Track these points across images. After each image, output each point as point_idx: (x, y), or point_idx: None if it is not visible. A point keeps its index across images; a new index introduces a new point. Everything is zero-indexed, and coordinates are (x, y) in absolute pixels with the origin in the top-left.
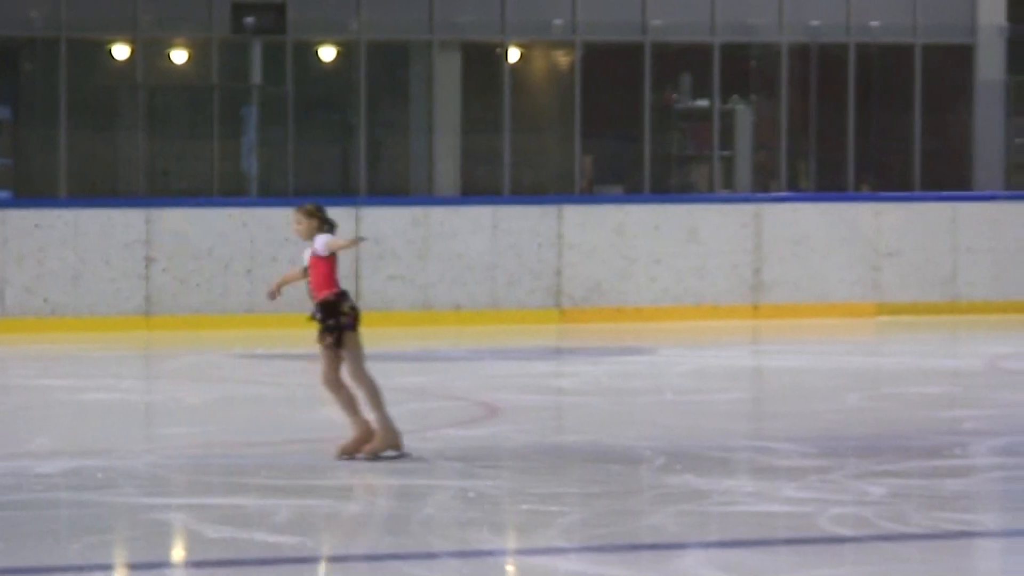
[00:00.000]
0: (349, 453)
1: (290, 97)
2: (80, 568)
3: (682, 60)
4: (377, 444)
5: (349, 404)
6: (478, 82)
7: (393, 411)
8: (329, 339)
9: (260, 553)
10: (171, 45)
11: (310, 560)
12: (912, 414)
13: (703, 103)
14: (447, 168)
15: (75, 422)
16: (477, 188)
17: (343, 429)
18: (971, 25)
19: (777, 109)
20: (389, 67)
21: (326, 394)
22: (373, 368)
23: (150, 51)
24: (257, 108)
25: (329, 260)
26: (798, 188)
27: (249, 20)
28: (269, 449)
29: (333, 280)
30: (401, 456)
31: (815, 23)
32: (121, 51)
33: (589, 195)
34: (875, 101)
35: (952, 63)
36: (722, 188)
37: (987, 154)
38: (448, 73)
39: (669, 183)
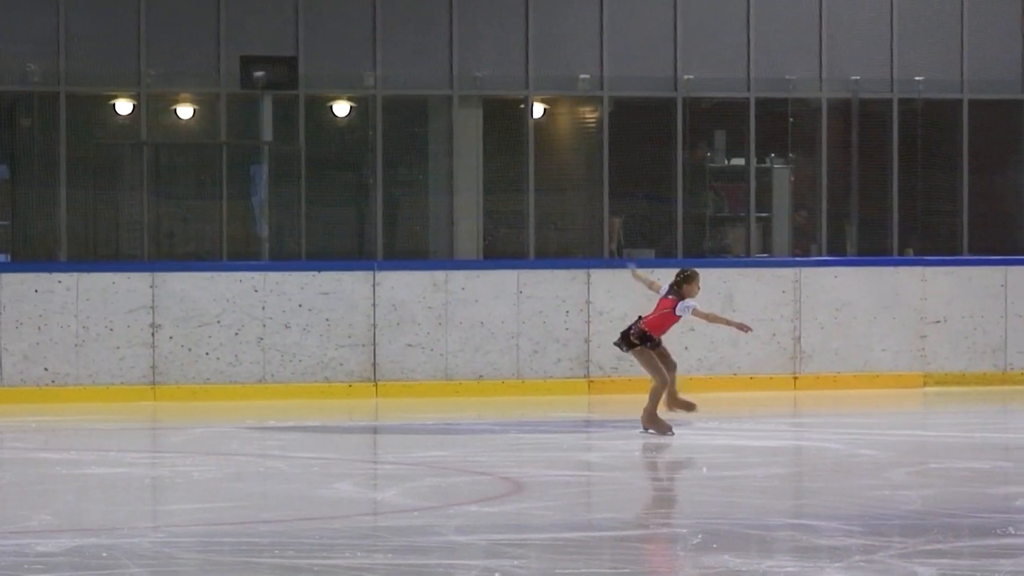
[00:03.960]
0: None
1: (302, 155)
2: None
3: (716, 117)
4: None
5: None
6: (500, 139)
7: (412, 486)
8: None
9: None
10: (177, 100)
11: None
12: (961, 490)
13: (738, 162)
14: (468, 230)
15: (77, 498)
16: (500, 251)
17: (358, 505)
18: (1021, 80)
19: (817, 168)
20: (406, 123)
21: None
22: (392, 440)
23: (155, 106)
24: (268, 166)
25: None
26: (839, 252)
27: (259, 74)
28: (281, 526)
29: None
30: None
31: (856, 77)
32: (124, 106)
33: (619, 259)
34: (920, 160)
35: (1001, 119)
36: (759, 252)
37: None
38: (469, 130)
39: (703, 246)
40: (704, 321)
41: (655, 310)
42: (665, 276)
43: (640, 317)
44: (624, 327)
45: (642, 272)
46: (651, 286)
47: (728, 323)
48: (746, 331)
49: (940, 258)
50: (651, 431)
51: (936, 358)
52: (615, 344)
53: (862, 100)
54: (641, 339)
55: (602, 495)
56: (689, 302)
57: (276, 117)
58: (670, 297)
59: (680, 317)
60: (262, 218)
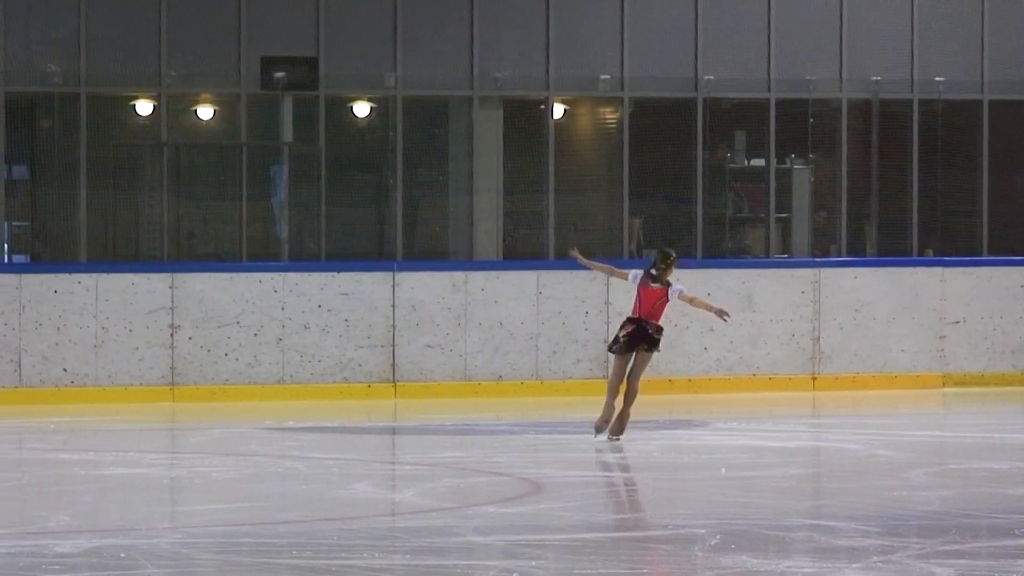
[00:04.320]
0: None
1: (322, 156)
2: None
3: (736, 117)
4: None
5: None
6: (520, 140)
7: (431, 487)
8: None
9: None
10: (197, 101)
11: None
12: (979, 491)
13: (758, 162)
14: (487, 231)
15: (96, 499)
16: (519, 252)
17: (377, 506)
18: None
19: (836, 169)
20: (426, 124)
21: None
22: (410, 441)
23: (175, 107)
24: (288, 167)
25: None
26: (859, 252)
27: (279, 75)
28: (300, 527)
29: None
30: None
31: (876, 78)
32: (144, 107)
33: (638, 259)
34: (940, 160)
35: (1022, 120)
36: (778, 252)
37: None
38: (489, 130)
39: (722, 247)
40: (687, 304)
41: (647, 303)
42: (687, 278)
43: (631, 317)
44: (617, 331)
45: (598, 264)
46: (612, 273)
47: (708, 308)
48: (725, 318)
49: (959, 259)
50: (619, 437)
51: (955, 359)
52: (627, 350)
53: (882, 101)
54: (660, 335)
55: (620, 496)
56: (678, 286)
57: (296, 118)
58: (656, 286)
59: (670, 301)
60: (282, 219)
